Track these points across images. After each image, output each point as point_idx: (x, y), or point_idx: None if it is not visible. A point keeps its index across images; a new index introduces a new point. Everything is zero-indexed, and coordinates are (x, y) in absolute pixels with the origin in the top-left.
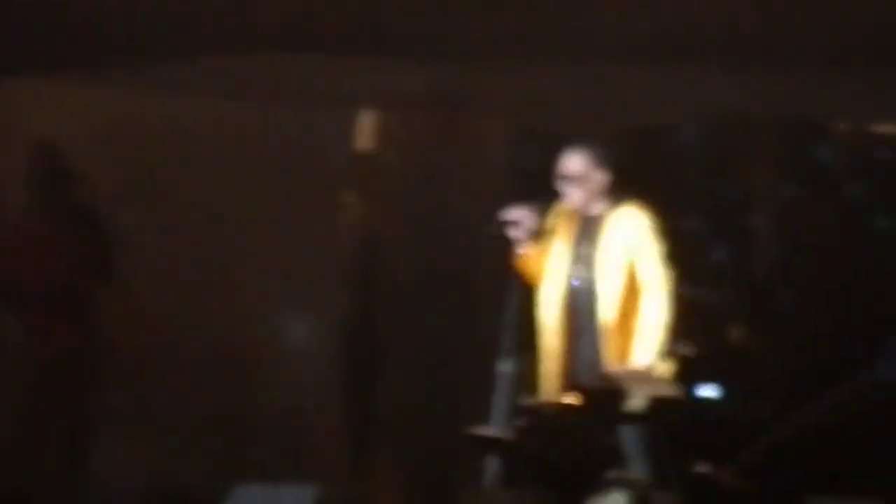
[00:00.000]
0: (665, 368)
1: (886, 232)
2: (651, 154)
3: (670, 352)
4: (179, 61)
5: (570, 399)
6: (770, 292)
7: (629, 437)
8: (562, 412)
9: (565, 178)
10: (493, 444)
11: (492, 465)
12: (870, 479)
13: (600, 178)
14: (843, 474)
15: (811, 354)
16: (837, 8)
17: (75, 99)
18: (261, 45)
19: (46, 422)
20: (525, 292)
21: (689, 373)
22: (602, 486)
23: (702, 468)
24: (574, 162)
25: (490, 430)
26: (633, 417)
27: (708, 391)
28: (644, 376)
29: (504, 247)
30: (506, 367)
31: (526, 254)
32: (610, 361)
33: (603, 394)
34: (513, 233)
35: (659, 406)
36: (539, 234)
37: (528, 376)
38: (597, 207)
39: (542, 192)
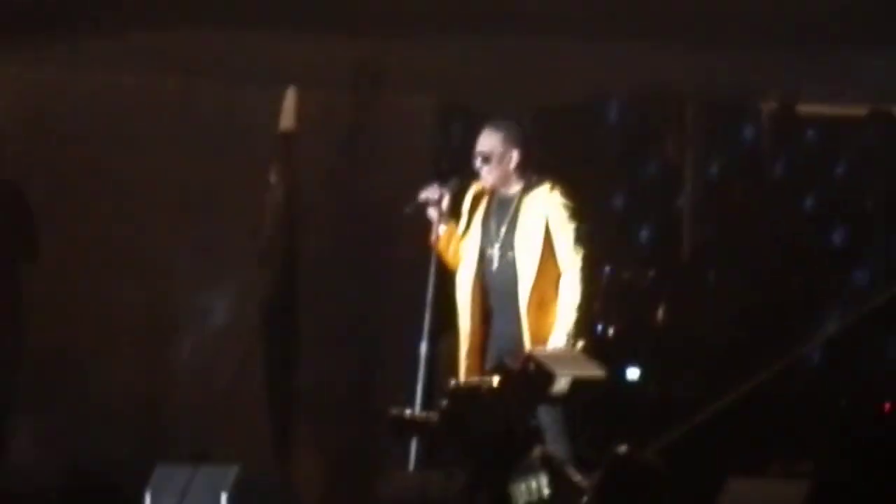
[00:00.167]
0: (582, 348)
1: (811, 211)
2: (574, 132)
3: (592, 331)
4: (102, 37)
5: (494, 380)
6: (694, 273)
7: (551, 418)
8: (485, 393)
9: (481, 156)
10: (415, 425)
11: (414, 446)
12: (792, 459)
13: (516, 156)
14: (765, 455)
15: (735, 335)
16: None
17: None
18: (184, 21)
19: None
20: (444, 272)
21: (612, 353)
22: (524, 466)
23: (621, 448)
24: (490, 140)
25: (412, 411)
26: (556, 398)
27: (631, 372)
28: (567, 357)
29: (422, 226)
30: (426, 348)
31: (442, 233)
32: (527, 341)
33: (526, 374)
34: (429, 212)
35: (582, 386)
36: (454, 214)
37: (448, 357)
38: (513, 186)
39: (467, 171)
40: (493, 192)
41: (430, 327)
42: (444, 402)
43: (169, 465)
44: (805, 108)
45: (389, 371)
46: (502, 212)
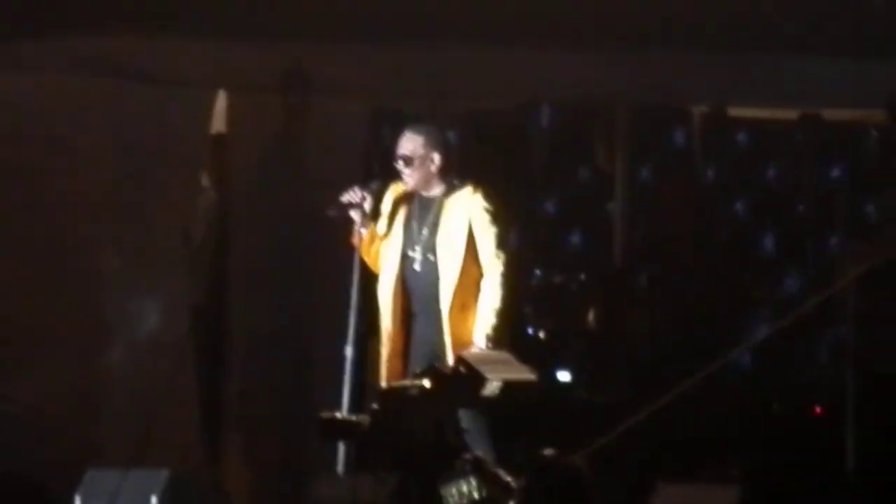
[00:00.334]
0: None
1: (742, 216)
2: (505, 137)
3: (523, 334)
4: (32, 41)
5: (424, 382)
6: (625, 277)
7: (481, 420)
8: (415, 396)
9: (402, 159)
10: (345, 428)
11: (344, 450)
12: (723, 463)
13: (437, 159)
14: (696, 459)
15: (666, 339)
16: None
17: None
18: (115, 24)
19: None
20: (371, 275)
21: (543, 356)
22: (455, 469)
23: (548, 452)
24: (411, 143)
25: (341, 414)
26: (487, 400)
27: (562, 375)
28: (498, 360)
29: (348, 229)
30: (352, 351)
31: (363, 236)
32: (448, 344)
33: (457, 377)
34: (351, 215)
35: (513, 389)
36: (376, 216)
37: (374, 360)
38: (434, 189)
39: (391, 173)
40: (414, 195)
41: (355, 330)
42: (374, 405)
43: (99, 468)
44: (736, 113)
45: (320, 374)
46: (424, 214)
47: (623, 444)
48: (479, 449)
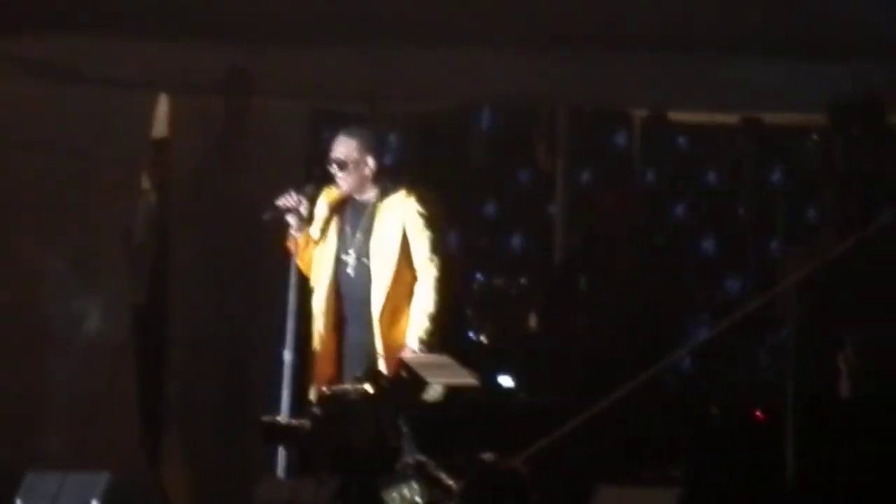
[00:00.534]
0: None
1: (683, 219)
2: (446, 139)
3: (464, 339)
4: None
5: (366, 386)
6: (566, 280)
7: (422, 425)
8: (356, 399)
9: (336, 162)
10: (287, 432)
11: (284, 453)
12: (663, 467)
13: (371, 163)
14: (636, 462)
15: (606, 342)
16: None
17: None
18: (55, 26)
19: None
20: (307, 279)
21: (484, 360)
22: (397, 473)
23: (488, 456)
24: (344, 147)
25: (283, 418)
26: (429, 405)
27: (503, 379)
28: (440, 364)
29: (283, 234)
30: (290, 355)
31: (298, 240)
32: (380, 349)
33: (398, 381)
34: (287, 219)
35: (455, 394)
36: (311, 220)
37: (311, 364)
38: (368, 193)
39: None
40: (348, 199)
41: (294, 334)
42: (315, 409)
43: (39, 472)
44: (676, 116)
45: (259, 378)
46: (358, 218)
47: (564, 447)
48: (425, 453)
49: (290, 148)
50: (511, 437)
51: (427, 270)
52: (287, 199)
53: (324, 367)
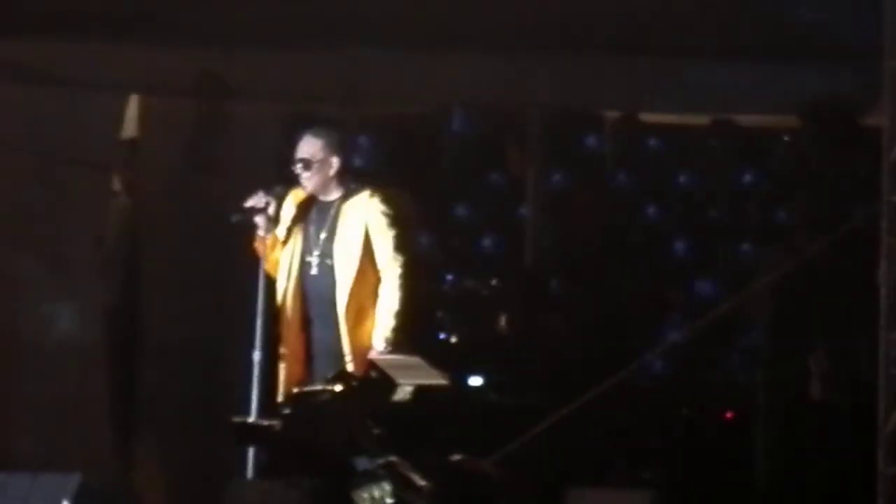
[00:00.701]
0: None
1: (655, 221)
2: (418, 141)
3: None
4: None
5: (336, 387)
6: (538, 281)
7: (392, 425)
8: (326, 400)
9: (301, 162)
10: (256, 433)
11: (254, 454)
12: (635, 467)
13: (336, 163)
14: (608, 463)
15: (578, 343)
16: None
17: None
18: (27, 29)
19: None
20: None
21: (455, 361)
22: (366, 473)
23: (456, 457)
24: (310, 147)
25: (253, 419)
26: (400, 405)
27: (474, 379)
28: (411, 364)
29: (252, 235)
30: (260, 355)
31: (266, 241)
32: (346, 348)
33: (368, 382)
34: (255, 220)
35: (426, 394)
36: (278, 221)
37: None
38: (333, 193)
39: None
40: (313, 199)
41: (263, 335)
42: (286, 410)
43: (10, 473)
44: (648, 118)
45: (229, 379)
46: (322, 218)
47: (535, 448)
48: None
49: (262, 150)
50: (482, 438)
51: (391, 270)
52: (255, 200)
53: (293, 368)
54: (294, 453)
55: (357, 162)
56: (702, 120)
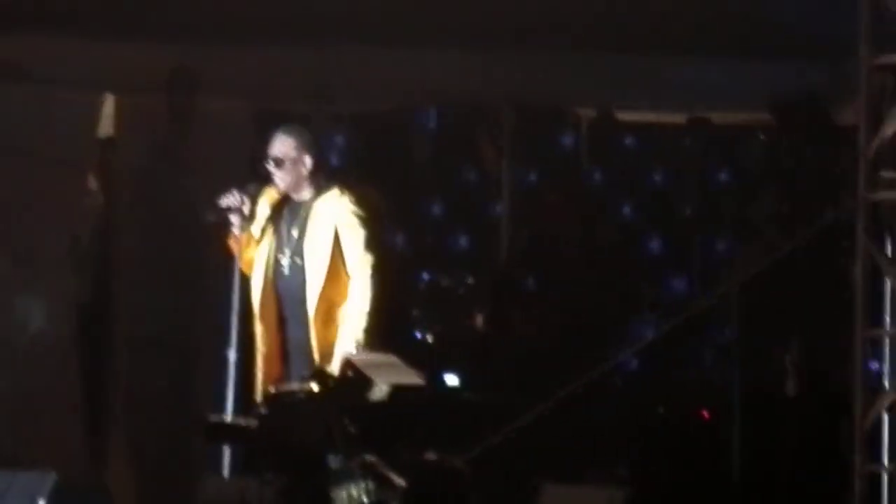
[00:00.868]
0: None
1: (629, 219)
2: (392, 139)
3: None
4: None
5: (312, 385)
6: (512, 279)
7: (368, 424)
8: (302, 399)
9: (274, 161)
10: (233, 432)
11: (229, 452)
12: (609, 466)
13: (308, 162)
14: (582, 462)
15: (552, 341)
16: None
17: None
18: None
19: None
20: (250, 279)
21: (431, 359)
22: (342, 472)
23: (431, 455)
24: (282, 145)
25: (228, 418)
26: (375, 404)
27: (450, 378)
28: (387, 363)
29: (226, 233)
30: (234, 354)
31: (240, 239)
32: (315, 347)
33: (344, 381)
34: (230, 218)
35: (400, 393)
36: (253, 219)
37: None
38: (305, 192)
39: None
40: (286, 198)
41: (238, 334)
42: (262, 408)
43: None
44: (623, 116)
45: (204, 377)
46: (294, 217)
47: (510, 446)
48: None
49: (235, 148)
50: (457, 436)
51: (360, 269)
52: (229, 199)
53: (269, 367)
54: (270, 451)
55: (331, 160)
56: (676, 118)
